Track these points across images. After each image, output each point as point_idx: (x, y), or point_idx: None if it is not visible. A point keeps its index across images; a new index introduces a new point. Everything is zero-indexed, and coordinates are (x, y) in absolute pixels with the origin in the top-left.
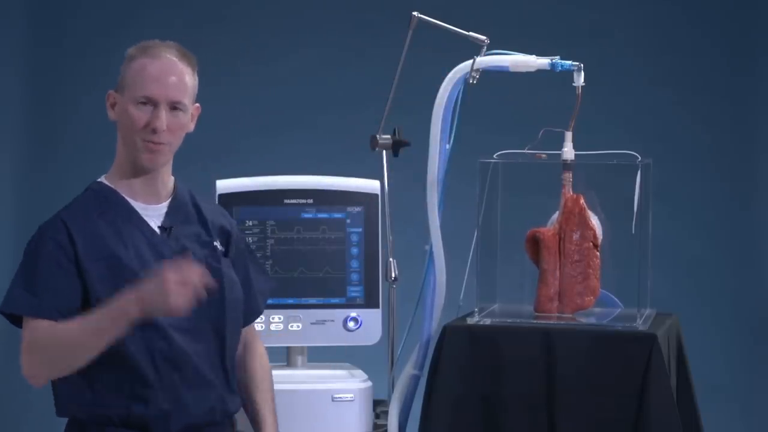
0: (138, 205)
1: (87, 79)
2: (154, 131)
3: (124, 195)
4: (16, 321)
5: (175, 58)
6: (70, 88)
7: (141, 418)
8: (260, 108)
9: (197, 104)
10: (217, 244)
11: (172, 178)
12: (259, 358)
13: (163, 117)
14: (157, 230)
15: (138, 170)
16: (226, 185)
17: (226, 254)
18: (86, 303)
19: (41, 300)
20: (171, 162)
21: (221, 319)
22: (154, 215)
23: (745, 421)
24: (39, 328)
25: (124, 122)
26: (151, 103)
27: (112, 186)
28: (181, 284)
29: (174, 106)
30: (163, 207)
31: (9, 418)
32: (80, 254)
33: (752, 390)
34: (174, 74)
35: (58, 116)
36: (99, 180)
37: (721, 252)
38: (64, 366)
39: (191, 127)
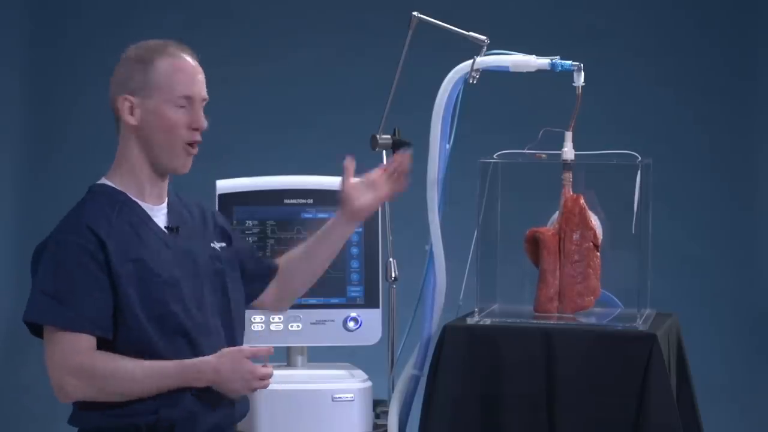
0: (146, 206)
1: (86, 79)
2: (197, 129)
3: (131, 196)
4: (36, 330)
5: (190, 57)
6: (70, 88)
7: (169, 421)
8: (260, 108)
9: None
10: (214, 243)
11: None
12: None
13: (203, 115)
14: (165, 230)
15: (161, 174)
16: (226, 185)
17: (227, 245)
18: (116, 306)
19: (76, 312)
20: None
21: (228, 319)
22: (159, 215)
23: (745, 421)
24: (84, 351)
25: (159, 125)
26: (189, 102)
27: (118, 187)
28: (252, 378)
29: (202, 105)
30: (164, 207)
31: (9, 418)
32: (111, 258)
33: (752, 390)
34: (200, 72)
35: (58, 116)
36: (100, 182)
37: (721, 252)
38: (114, 397)
39: None
